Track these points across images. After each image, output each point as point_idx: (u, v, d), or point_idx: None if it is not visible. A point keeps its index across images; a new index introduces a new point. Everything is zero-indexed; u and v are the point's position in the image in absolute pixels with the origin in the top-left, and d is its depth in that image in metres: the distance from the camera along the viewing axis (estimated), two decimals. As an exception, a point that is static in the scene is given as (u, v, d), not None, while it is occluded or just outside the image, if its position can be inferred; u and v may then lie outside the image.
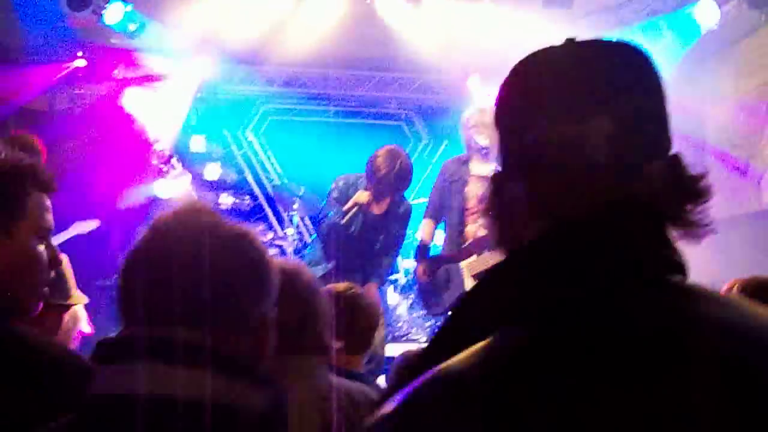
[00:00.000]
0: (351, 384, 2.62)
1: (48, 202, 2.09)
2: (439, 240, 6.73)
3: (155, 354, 1.38)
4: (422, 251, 6.41)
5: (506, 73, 1.30)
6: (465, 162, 6.22)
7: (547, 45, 1.27)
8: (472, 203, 6.08)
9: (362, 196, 6.25)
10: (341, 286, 3.39)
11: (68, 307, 3.19)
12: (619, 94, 1.18)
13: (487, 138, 5.95)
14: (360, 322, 3.20)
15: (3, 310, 1.97)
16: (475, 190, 6.06)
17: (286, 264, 2.64)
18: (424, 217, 6.52)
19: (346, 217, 6.24)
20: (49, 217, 2.10)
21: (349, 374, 2.95)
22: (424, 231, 6.48)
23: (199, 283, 1.42)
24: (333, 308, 3.15)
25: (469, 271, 5.88)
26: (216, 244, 1.48)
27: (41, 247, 2.05)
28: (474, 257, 5.88)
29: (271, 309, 1.58)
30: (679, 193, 1.17)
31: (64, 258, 2.97)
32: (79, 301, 3.25)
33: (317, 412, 2.43)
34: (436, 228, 6.57)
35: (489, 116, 6.05)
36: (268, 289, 1.55)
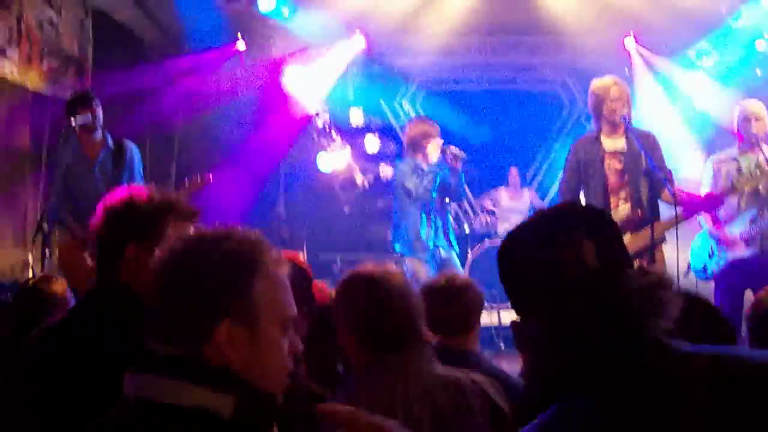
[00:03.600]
0: (457, 373, 2.73)
1: (189, 228, 2.53)
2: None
3: (147, 366, 1.66)
4: None
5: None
6: (596, 139, 6.05)
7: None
8: (613, 180, 5.95)
9: None
10: (440, 279, 3.58)
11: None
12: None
13: (627, 111, 5.85)
14: (459, 309, 3.37)
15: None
16: (614, 166, 5.95)
17: (374, 272, 2.81)
18: (561, 201, 6.38)
19: None
20: None
21: (462, 355, 3.16)
22: None
23: (164, 304, 1.69)
24: (431, 302, 3.35)
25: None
26: (175, 269, 1.70)
27: None
28: (628, 235, 5.73)
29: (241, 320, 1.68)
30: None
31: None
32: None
33: (427, 405, 2.57)
34: None
35: (626, 89, 5.96)
36: (225, 301, 1.65)
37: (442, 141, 7.06)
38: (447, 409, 2.57)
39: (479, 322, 3.51)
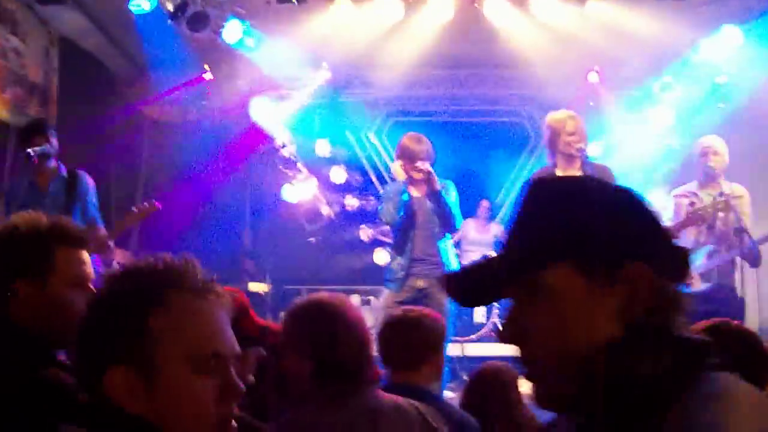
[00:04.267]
0: (399, 399, 2.76)
1: (80, 255, 2.47)
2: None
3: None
4: None
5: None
6: (551, 173, 5.99)
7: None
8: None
9: None
10: (399, 312, 3.59)
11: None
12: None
13: (582, 144, 5.90)
14: (410, 343, 3.34)
15: (41, 353, 2.32)
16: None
17: (331, 302, 2.82)
18: None
19: None
20: (81, 268, 2.47)
21: (407, 386, 3.13)
22: None
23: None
24: (384, 335, 3.37)
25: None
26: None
27: (78, 295, 2.39)
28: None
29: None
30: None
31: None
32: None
33: (368, 426, 2.60)
34: None
35: (582, 123, 6.00)
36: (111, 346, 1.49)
37: (420, 160, 6.33)
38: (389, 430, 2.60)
39: (437, 357, 3.45)
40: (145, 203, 6.35)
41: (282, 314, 3.66)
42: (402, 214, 6.42)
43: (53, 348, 2.38)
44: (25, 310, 2.34)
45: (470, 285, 1.41)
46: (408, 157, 6.42)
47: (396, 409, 2.68)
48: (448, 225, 6.47)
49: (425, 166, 6.31)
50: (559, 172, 6.01)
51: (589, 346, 1.25)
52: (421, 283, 6.32)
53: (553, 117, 6.15)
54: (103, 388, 1.43)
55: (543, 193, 1.38)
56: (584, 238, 1.29)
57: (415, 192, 6.47)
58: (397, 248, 6.54)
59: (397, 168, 6.71)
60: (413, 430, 2.65)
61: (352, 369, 2.71)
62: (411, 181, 6.45)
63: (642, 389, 1.23)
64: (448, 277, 1.45)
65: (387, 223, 6.74)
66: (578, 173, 5.93)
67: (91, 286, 2.45)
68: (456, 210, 6.47)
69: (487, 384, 3.78)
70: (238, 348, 1.57)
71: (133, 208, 6.37)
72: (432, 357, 3.39)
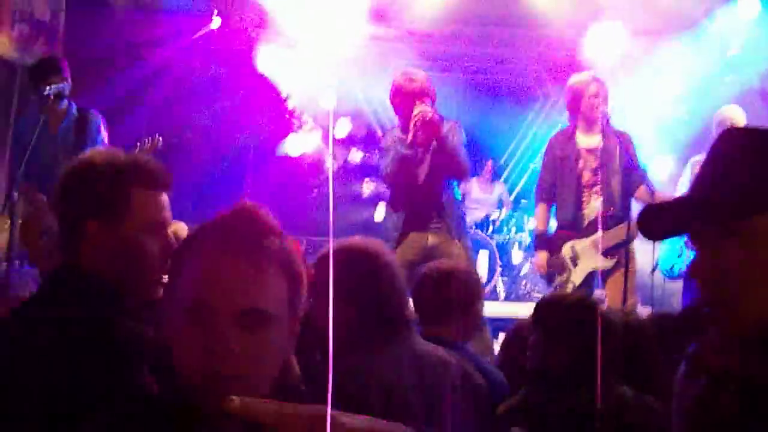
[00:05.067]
0: (441, 350, 2.76)
1: (159, 198, 2.28)
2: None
3: None
4: (541, 239, 6.09)
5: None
6: (571, 136, 5.98)
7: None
8: (587, 177, 5.89)
9: None
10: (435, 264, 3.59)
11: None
12: None
13: (605, 108, 5.80)
14: (443, 297, 3.35)
15: (113, 301, 2.18)
16: (589, 163, 5.89)
17: (367, 245, 2.76)
18: (537, 201, 6.20)
19: None
20: (158, 213, 2.28)
21: (438, 340, 3.06)
22: (539, 218, 6.18)
23: None
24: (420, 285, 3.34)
25: (595, 246, 5.76)
26: None
27: (153, 241, 2.25)
28: (599, 233, 5.73)
29: None
30: None
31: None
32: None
33: (414, 371, 2.57)
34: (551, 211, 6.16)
35: (605, 86, 5.90)
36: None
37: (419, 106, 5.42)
38: (433, 383, 2.57)
39: (469, 313, 3.45)
40: (147, 139, 6.26)
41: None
42: (399, 165, 5.59)
43: (127, 297, 2.22)
44: (96, 253, 2.19)
45: (663, 220, 1.48)
46: (401, 96, 5.58)
47: (438, 357, 2.66)
48: (455, 173, 5.72)
49: (420, 110, 5.38)
50: (579, 135, 5.96)
51: None
52: (432, 240, 5.63)
53: (576, 78, 6.00)
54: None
55: (751, 143, 1.41)
56: None
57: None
58: (395, 201, 5.84)
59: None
60: (455, 381, 2.63)
61: (395, 312, 2.67)
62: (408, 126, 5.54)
63: None
64: (643, 210, 1.52)
65: (387, 177, 5.82)
66: (598, 138, 5.88)
67: (168, 233, 2.30)
68: (463, 156, 5.63)
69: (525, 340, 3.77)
70: (243, 302, 1.46)
71: (137, 144, 6.29)
72: (463, 312, 3.38)
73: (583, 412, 2.65)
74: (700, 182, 1.44)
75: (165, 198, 2.31)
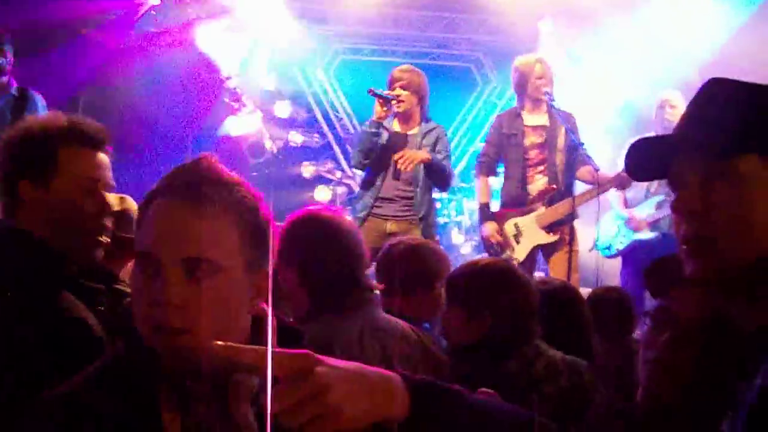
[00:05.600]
0: (402, 322, 2.75)
1: (91, 156, 2.29)
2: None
3: None
4: (487, 211, 6.17)
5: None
6: (518, 114, 6.14)
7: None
8: (532, 154, 6.04)
9: None
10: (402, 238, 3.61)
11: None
12: None
13: (549, 89, 5.94)
14: (406, 272, 3.28)
15: (57, 261, 2.19)
16: (535, 140, 6.04)
17: (328, 213, 2.77)
18: (478, 175, 6.26)
19: None
20: (91, 170, 2.29)
21: (401, 315, 3.01)
22: (482, 191, 6.24)
23: None
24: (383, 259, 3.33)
25: (538, 223, 5.89)
26: None
27: (84, 199, 2.26)
28: (542, 209, 5.89)
29: None
30: None
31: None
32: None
33: (377, 341, 2.57)
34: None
35: (549, 67, 6.02)
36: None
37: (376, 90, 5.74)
38: (393, 355, 2.57)
39: (432, 289, 3.37)
40: None
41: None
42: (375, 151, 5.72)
43: (68, 260, 2.23)
44: (32, 215, 2.20)
45: (646, 156, 1.57)
46: (389, 84, 5.91)
47: (400, 330, 2.66)
48: (439, 186, 6.05)
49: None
50: (525, 115, 6.13)
51: None
52: (390, 227, 5.71)
53: (521, 60, 6.21)
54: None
55: (737, 91, 1.47)
56: None
57: (397, 126, 5.92)
58: (365, 184, 5.92)
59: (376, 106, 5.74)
60: (416, 355, 2.62)
61: (351, 279, 2.65)
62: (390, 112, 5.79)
63: None
64: (631, 146, 1.59)
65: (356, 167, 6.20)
66: (544, 117, 6.02)
67: (105, 193, 2.30)
68: (449, 170, 5.91)
69: None
70: (188, 252, 1.43)
71: None
72: (426, 288, 3.34)
73: (515, 381, 2.63)
74: (686, 122, 1.50)
75: (100, 157, 2.32)
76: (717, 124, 1.43)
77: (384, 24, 10.67)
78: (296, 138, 10.88)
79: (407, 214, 5.75)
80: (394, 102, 5.75)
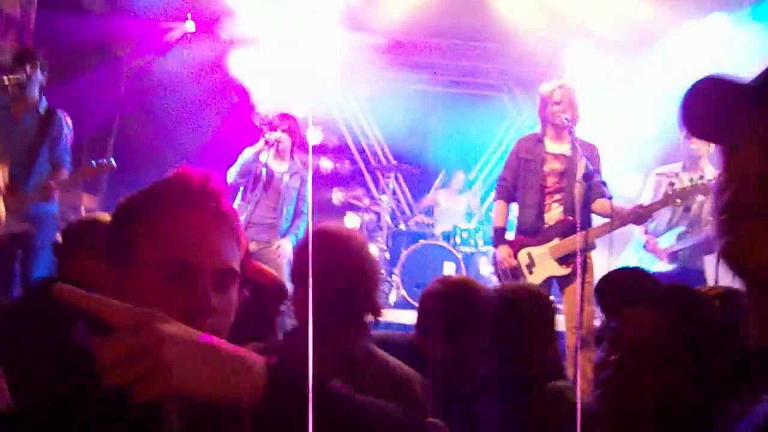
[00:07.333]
0: (392, 359, 2.64)
1: None
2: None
3: None
4: (501, 236, 6.17)
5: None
6: (539, 140, 6.09)
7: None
8: (550, 182, 5.98)
9: None
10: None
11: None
12: None
13: (570, 115, 5.87)
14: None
15: None
16: (554, 168, 5.98)
17: (339, 229, 2.73)
18: (497, 198, 6.29)
19: None
20: None
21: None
22: (499, 215, 6.23)
23: None
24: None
25: (552, 254, 5.82)
26: None
27: None
28: (556, 240, 5.84)
29: None
30: None
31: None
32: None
33: (345, 373, 2.47)
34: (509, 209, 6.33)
35: (573, 94, 5.95)
36: None
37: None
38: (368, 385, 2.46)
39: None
40: (103, 160, 6.22)
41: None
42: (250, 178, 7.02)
43: None
44: None
45: (712, 102, 1.21)
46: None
47: (390, 374, 2.56)
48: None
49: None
50: (547, 141, 6.08)
51: None
52: (252, 246, 6.66)
53: (544, 86, 6.17)
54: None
55: None
56: None
57: (277, 165, 7.25)
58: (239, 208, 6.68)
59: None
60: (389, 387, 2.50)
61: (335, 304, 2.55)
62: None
63: None
64: (684, 96, 1.21)
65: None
66: (567, 146, 5.98)
67: None
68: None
69: None
70: (220, 263, 1.51)
71: (92, 162, 6.25)
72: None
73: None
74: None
75: None
76: None
77: (415, 51, 10.69)
78: (327, 164, 10.90)
79: (267, 233, 7.00)
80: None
